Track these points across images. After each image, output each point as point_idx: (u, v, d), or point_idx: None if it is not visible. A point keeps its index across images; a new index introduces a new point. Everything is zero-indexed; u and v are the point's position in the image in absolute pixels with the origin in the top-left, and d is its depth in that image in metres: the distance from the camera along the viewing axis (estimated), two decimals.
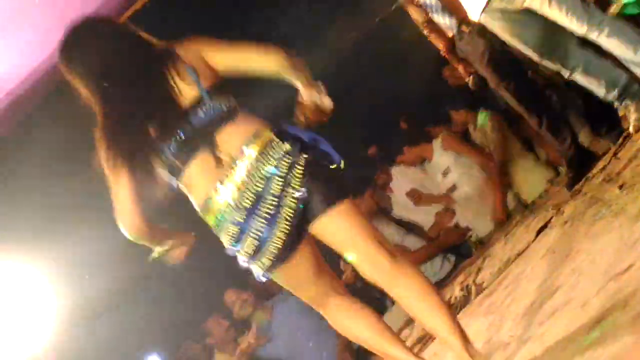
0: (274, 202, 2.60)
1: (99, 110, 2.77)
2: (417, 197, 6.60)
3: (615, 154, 4.47)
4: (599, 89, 4.43)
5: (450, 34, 5.14)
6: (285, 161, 2.61)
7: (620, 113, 4.55)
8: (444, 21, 5.09)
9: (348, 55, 7.54)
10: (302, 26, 6.99)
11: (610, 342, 2.14)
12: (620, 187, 3.63)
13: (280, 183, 2.60)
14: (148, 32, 2.91)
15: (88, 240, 5.93)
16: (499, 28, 4.46)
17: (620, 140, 4.64)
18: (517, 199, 6.31)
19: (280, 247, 2.63)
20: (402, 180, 6.80)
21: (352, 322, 2.80)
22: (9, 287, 5.08)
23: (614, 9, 5.16)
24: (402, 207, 6.78)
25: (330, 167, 2.73)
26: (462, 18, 4.89)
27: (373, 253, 2.67)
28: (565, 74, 4.47)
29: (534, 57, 4.49)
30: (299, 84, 2.78)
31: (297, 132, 2.73)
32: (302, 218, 2.65)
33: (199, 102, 2.70)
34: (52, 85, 5.91)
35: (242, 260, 2.72)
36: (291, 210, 2.61)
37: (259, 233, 2.62)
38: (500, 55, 4.86)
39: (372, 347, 2.80)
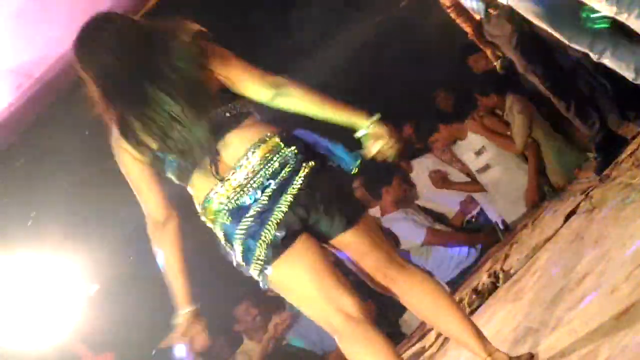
0: (265, 207, 2.56)
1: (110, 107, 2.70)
2: (437, 178, 6.61)
3: None
4: (628, 72, 4.38)
5: (477, 17, 5.13)
6: (287, 171, 2.59)
7: None
8: (471, 4, 5.07)
9: (375, 39, 7.55)
10: (332, 11, 7.00)
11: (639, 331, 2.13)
12: None
13: (277, 190, 2.57)
14: None
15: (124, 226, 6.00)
16: (526, 10, 4.42)
17: None
18: (547, 182, 6.29)
19: (268, 256, 2.57)
20: (421, 172, 6.82)
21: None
22: (45, 275, 5.12)
23: None
24: (425, 199, 6.79)
25: (346, 177, 2.73)
26: (490, 0, 4.87)
27: (387, 268, 2.69)
28: (594, 56, 4.43)
29: (562, 39, 4.45)
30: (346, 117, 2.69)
31: (310, 138, 2.73)
32: (309, 230, 2.63)
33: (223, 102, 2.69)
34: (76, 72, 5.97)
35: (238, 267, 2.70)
36: (282, 219, 2.55)
37: (243, 237, 2.59)
38: (529, 39, 4.84)
39: None
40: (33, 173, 6.17)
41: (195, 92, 2.62)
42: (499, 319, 3.83)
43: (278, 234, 2.54)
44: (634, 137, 4.78)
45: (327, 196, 2.63)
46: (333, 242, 2.70)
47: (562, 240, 4.14)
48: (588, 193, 4.53)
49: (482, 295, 4.76)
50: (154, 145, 2.63)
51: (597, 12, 4.23)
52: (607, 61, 4.39)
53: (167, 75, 2.62)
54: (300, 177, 2.58)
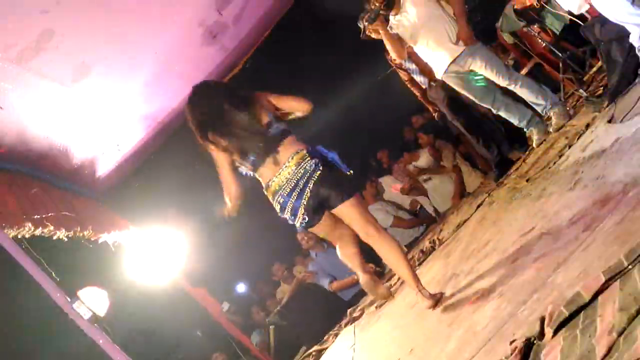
0: (298, 193, 2.84)
1: (208, 131, 2.93)
2: (403, 190, 6.60)
3: (524, 160, 4.44)
4: (514, 120, 4.39)
5: (424, 87, 5.14)
6: (310, 171, 2.84)
7: (527, 135, 4.52)
8: (420, 79, 5.09)
9: (356, 100, 7.55)
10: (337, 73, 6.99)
11: (520, 275, 2.14)
12: (527, 180, 3.61)
13: (305, 182, 2.83)
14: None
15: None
16: (453, 83, 4.44)
17: (527, 152, 4.61)
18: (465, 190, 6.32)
19: (305, 214, 2.87)
20: (387, 186, 6.82)
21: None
22: (159, 240, 5.12)
23: (523, 71, 5.14)
24: (389, 196, 6.78)
25: (344, 173, 2.94)
26: (431, 77, 4.89)
27: (367, 229, 2.91)
28: (494, 110, 4.44)
29: (475, 100, 4.46)
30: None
31: (322, 151, 2.95)
32: (323, 204, 2.88)
33: (273, 125, 2.92)
34: (184, 119, 5.99)
35: (289, 220, 2.94)
36: (309, 196, 2.84)
37: (292, 205, 2.86)
38: (454, 100, 4.85)
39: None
40: (156, 180, 6.22)
41: (254, 124, 2.89)
42: (435, 269, 3.83)
43: (307, 215, 2.87)
44: (517, 159, 4.77)
45: (331, 184, 2.86)
46: (334, 211, 2.91)
47: (474, 220, 4.14)
48: (490, 193, 4.52)
49: (426, 254, 4.77)
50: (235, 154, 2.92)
51: (478, 76, 4.29)
52: (502, 113, 4.41)
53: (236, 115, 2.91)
54: (315, 176, 2.84)
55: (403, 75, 5.26)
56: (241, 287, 7.92)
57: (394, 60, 5.13)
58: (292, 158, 2.86)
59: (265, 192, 2.95)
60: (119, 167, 5.67)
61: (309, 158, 2.86)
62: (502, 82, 4.27)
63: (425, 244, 5.03)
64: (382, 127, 7.68)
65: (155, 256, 4.90)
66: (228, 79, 5.98)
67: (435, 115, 5.39)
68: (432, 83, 4.94)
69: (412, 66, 5.06)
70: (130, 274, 4.65)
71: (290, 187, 2.85)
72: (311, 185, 2.83)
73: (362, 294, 5.99)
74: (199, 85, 3.09)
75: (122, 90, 4.76)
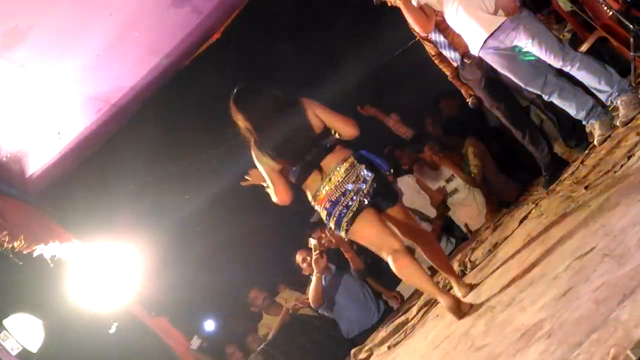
0: (349, 198, 3.58)
1: (254, 135, 3.69)
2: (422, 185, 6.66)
3: (582, 162, 4.44)
4: (570, 109, 4.40)
5: (455, 64, 5.14)
6: (362, 179, 3.60)
7: (587, 130, 4.52)
8: (450, 54, 5.08)
9: (366, 80, 7.55)
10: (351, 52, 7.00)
11: (575, 310, 2.14)
12: (586, 187, 3.61)
13: (356, 189, 3.58)
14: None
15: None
16: (492, 61, 4.44)
17: (587, 151, 4.61)
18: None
19: (349, 221, 3.59)
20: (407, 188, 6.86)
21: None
22: (110, 256, 5.13)
23: (583, 47, 5.14)
24: (409, 200, 6.81)
25: (389, 177, 3.92)
26: (464, 53, 4.89)
27: (414, 230, 3.87)
28: (545, 97, 4.45)
29: (520, 83, 4.47)
30: None
31: (369, 156, 3.70)
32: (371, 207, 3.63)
33: (320, 137, 3.66)
34: (145, 100, 6.01)
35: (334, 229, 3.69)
36: (358, 204, 3.57)
37: (338, 214, 3.59)
38: (494, 82, 4.85)
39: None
40: (107, 178, 6.22)
41: (304, 134, 3.66)
42: (467, 298, 3.82)
43: (348, 222, 3.59)
44: (574, 161, 4.78)
45: (379, 190, 3.62)
46: (385, 214, 3.71)
47: (517, 239, 4.13)
48: (537, 203, 4.52)
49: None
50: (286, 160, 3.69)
51: (525, 53, 4.30)
52: (555, 100, 4.41)
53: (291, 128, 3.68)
54: (366, 186, 3.58)
55: (430, 49, 5.28)
56: (209, 325, 7.67)
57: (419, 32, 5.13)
58: (341, 165, 3.62)
59: (313, 202, 3.71)
60: (60, 161, 5.66)
61: (357, 164, 3.62)
62: (555, 63, 4.28)
63: (454, 268, 5.02)
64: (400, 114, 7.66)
65: (105, 276, 4.89)
66: (202, 51, 5.99)
67: (469, 101, 5.40)
68: (466, 60, 4.95)
69: (440, 38, 5.06)
70: (73, 298, 4.64)
71: (340, 192, 3.59)
72: (363, 192, 3.57)
73: (368, 331, 6.01)
74: (246, 87, 3.80)
75: (65, 62, 4.76)
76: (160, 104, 6.24)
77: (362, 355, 5.04)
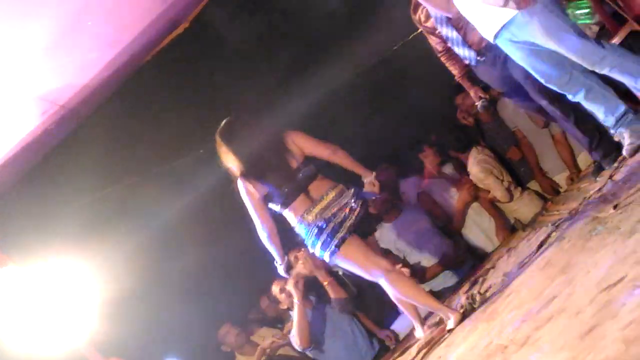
0: (339, 220, 4.46)
1: (240, 167, 4.54)
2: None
3: (611, 177, 4.45)
4: (599, 114, 4.39)
5: (466, 62, 5.15)
6: (350, 204, 4.50)
7: (616, 139, 4.51)
8: (464, 53, 5.09)
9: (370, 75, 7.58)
10: (337, 46, 7.01)
11: (601, 350, 2.12)
12: (615, 206, 3.61)
13: (345, 214, 4.48)
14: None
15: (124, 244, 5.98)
16: (508, 51, 4.44)
17: (616, 164, 4.61)
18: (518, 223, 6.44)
19: (337, 245, 4.44)
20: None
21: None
22: (57, 285, 5.09)
23: (614, 40, 5.11)
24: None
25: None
26: (479, 50, 4.92)
27: (387, 265, 4.59)
28: (569, 96, 4.43)
29: (542, 80, 4.46)
30: (359, 171, 4.69)
31: (355, 187, 4.57)
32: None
33: (299, 167, 4.53)
34: (99, 101, 5.98)
35: (319, 253, 4.54)
36: (346, 229, 4.47)
37: (327, 235, 4.44)
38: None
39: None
40: (53, 192, 6.18)
41: (285, 163, 4.55)
42: (475, 336, 3.82)
43: (336, 244, 4.45)
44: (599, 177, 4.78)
45: (363, 216, 4.53)
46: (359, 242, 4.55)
47: (534, 267, 4.13)
48: (558, 224, 4.51)
49: (462, 315, 4.73)
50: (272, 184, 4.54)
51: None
52: (581, 100, 4.39)
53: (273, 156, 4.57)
54: (356, 210, 4.49)
55: (436, 44, 5.28)
56: None
57: (424, 21, 5.11)
58: (331, 191, 4.50)
59: (299, 223, 4.50)
60: None
61: (347, 191, 4.52)
62: (581, 63, 4.26)
63: (461, 300, 5.00)
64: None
65: (47, 310, 4.84)
66: (168, 41, 5.97)
67: (479, 104, 5.40)
68: (480, 58, 4.96)
69: (453, 34, 5.06)
70: (6, 337, 4.60)
71: (330, 214, 4.44)
72: (352, 217, 4.45)
73: None
74: (230, 121, 4.68)
75: (5, 57, 4.74)
76: (117, 106, 6.22)
77: None
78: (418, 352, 4.64)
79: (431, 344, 4.54)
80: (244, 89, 6.58)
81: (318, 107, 6.91)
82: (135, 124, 6.42)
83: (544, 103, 4.91)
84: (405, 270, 5.46)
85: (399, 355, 5.14)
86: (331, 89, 6.90)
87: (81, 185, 6.17)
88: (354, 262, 4.50)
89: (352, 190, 4.52)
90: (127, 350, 6.46)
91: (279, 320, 6.98)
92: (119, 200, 5.98)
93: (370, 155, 6.80)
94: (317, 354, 6.32)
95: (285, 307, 6.36)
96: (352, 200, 4.48)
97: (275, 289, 6.34)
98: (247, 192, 4.54)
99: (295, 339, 6.13)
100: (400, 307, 4.96)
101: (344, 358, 6.26)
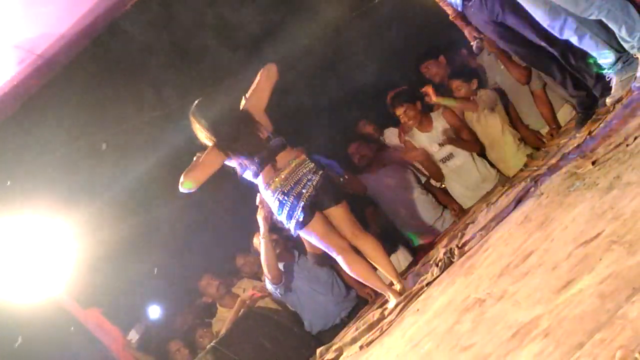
0: (298, 191, 4.73)
1: (213, 140, 4.83)
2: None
3: (590, 133, 4.46)
4: (620, 30, 4.31)
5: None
6: (310, 173, 4.79)
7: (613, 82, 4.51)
8: None
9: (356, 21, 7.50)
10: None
11: (577, 305, 2.14)
12: (594, 162, 3.62)
13: (305, 183, 4.74)
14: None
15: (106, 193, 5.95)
16: None
17: (593, 115, 4.63)
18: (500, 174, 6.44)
19: (302, 215, 4.74)
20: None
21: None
22: (35, 236, 5.07)
23: None
24: None
25: (337, 179, 5.12)
26: None
27: (354, 230, 4.94)
28: (562, 38, 4.44)
29: (542, 23, 4.46)
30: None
31: (319, 159, 4.92)
32: (317, 205, 4.82)
33: (269, 137, 4.86)
34: (77, 50, 5.91)
35: (282, 223, 4.89)
36: (307, 196, 4.73)
37: (289, 205, 4.73)
38: (503, 24, 4.86)
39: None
40: (30, 142, 6.13)
41: (256, 134, 4.84)
42: (453, 290, 3.84)
43: (303, 213, 4.75)
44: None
45: (326, 189, 4.84)
46: (326, 212, 4.88)
47: (512, 221, 4.15)
48: (537, 180, 4.54)
49: (440, 269, 4.76)
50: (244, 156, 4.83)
51: None
52: (575, 41, 4.38)
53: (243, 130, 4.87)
54: (315, 179, 4.78)
55: None
56: (154, 311, 7.63)
57: None
58: (293, 161, 4.78)
59: (265, 192, 4.81)
60: None
61: (308, 161, 4.81)
62: (568, 6, 4.25)
63: (439, 255, 5.04)
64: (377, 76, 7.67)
65: (26, 260, 4.83)
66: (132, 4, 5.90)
67: (474, 44, 5.41)
68: (467, 2, 4.96)
69: None
70: None
71: (290, 185, 4.71)
72: (311, 187, 4.73)
73: (337, 327, 6.03)
74: (202, 100, 4.94)
75: None
76: (94, 56, 6.14)
77: (330, 355, 5.05)
78: (396, 305, 4.67)
79: (409, 297, 4.57)
80: (222, 45, 6.53)
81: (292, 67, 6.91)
82: (113, 74, 6.35)
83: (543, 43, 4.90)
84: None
85: (377, 307, 5.18)
86: (303, 46, 6.86)
87: (58, 135, 6.14)
88: (314, 238, 4.87)
89: (313, 163, 4.82)
90: (106, 301, 6.48)
91: (257, 277, 7.01)
92: (97, 151, 5.94)
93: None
94: (295, 303, 6.37)
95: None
96: (311, 171, 4.77)
97: (255, 240, 6.35)
98: (213, 162, 4.83)
99: (265, 273, 6.21)
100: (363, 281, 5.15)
101: (322, 308, 6.31)
